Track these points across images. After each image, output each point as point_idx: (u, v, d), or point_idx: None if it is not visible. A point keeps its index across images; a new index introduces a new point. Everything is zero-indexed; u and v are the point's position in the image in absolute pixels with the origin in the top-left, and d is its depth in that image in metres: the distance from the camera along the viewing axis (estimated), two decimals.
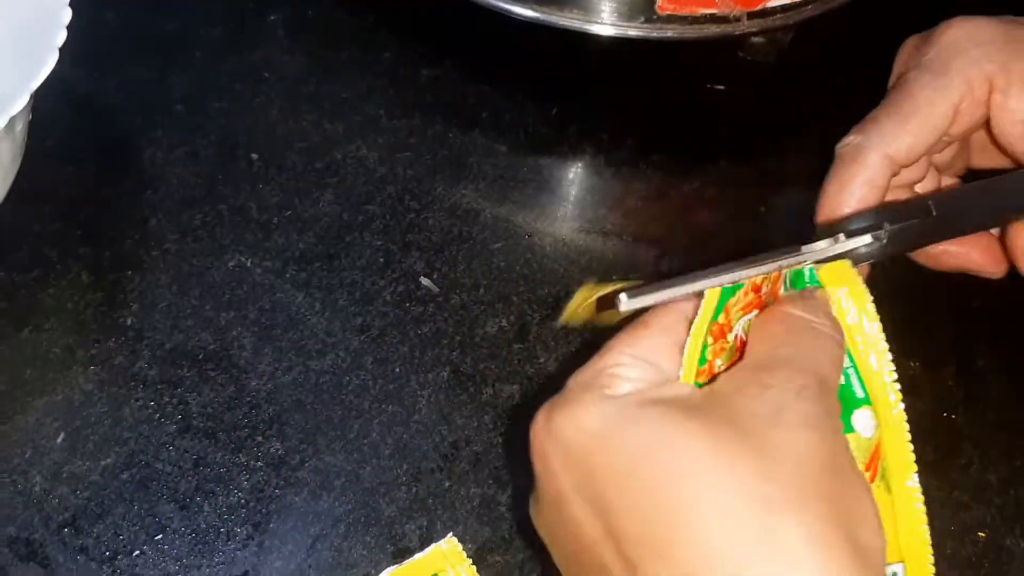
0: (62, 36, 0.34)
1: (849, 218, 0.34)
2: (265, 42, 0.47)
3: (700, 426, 0.24)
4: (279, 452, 0.33)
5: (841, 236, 0.31)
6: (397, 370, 0.36)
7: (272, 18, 0.48)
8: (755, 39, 0.47)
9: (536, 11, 0.44)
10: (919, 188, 0.37)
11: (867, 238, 0.32)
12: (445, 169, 0.43)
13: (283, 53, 0.47)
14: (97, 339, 0.36)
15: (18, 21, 0.35)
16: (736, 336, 0.28)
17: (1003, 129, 0.34)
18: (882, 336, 0.29)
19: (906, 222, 0.33)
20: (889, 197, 0.35)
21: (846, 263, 0.30)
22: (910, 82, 0.34)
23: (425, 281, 0.39)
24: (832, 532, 0.23)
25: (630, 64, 0.47)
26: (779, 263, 0.29)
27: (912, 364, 0.38)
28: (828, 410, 0.25)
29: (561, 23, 0.44)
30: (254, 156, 0.42)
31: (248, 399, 0.35)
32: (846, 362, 0.28)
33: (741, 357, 0.28)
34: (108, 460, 0.33)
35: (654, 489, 0.24)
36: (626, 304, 0.28)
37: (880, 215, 0.33)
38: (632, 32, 0.44)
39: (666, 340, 0.27)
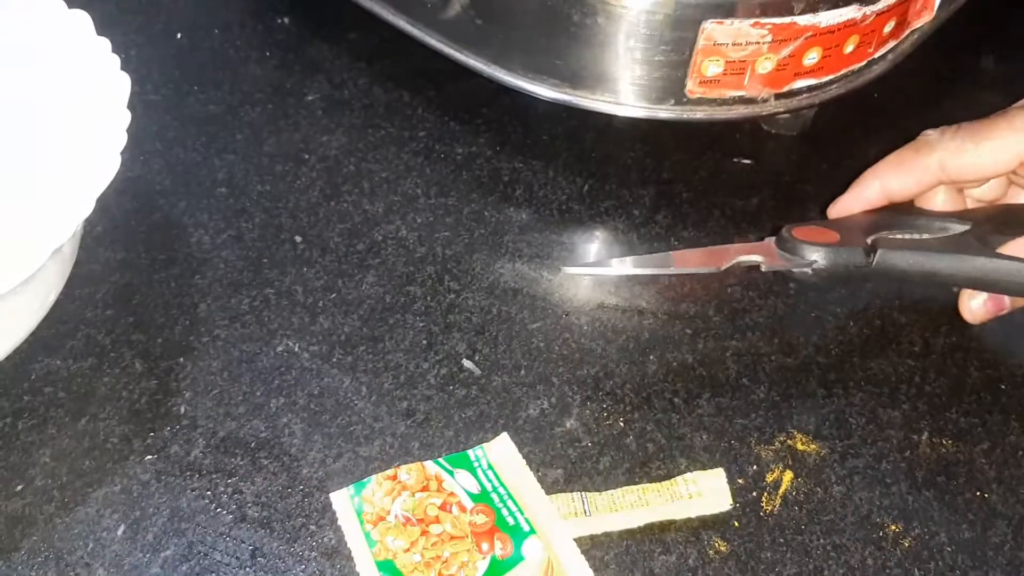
0: (123, 141, 0.35)
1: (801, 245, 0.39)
2: (304, 122, 0.48)
3: None
4: (332, 542, 0.34)
5: (781, 255, 0.39)
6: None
7: (310, 98, 0.50)
8: (780, 115, 0.48)
9: (567, 94, 0.45)
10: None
11: (804, 267, 0.39)
12: (482, 248, 0.44)
13: (322, 133, 0.48)
14: (152, 428, 0.37)
15: (78, 125, 0.36)
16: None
17: None
18: (536, 482, 0.36)
19: (836, 264, 0.39)
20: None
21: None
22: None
23: (467, 363, 0.40)
24: None
25: (657, 140, 0.48)
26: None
27: (944, 443, 0.39)
28: None
29: (592, 106, 0.45)
30: (297, 239, 0.44)
31: (301, 487, 0.36)
32: (513, 506, 0.35)
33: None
34: (168, 552, 0.34)
35: None
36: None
37: (819, 251, 0.39)
38: (662, 114, 0.45)
39: None
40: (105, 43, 0.39)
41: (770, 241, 0.40)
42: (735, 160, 0.48)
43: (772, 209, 0.47)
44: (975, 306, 0.42)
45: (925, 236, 0.40)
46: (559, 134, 0.48)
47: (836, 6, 0.43)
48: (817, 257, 0.39)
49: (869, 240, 0.39)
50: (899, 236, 0.40)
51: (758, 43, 0.42)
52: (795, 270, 0.39)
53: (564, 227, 0.45)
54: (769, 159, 0.48)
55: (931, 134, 0.41)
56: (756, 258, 0.40)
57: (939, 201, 0.41)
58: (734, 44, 0.42)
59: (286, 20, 0.53)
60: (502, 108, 0.49)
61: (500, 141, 0.48)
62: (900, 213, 0.41)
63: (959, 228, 0.40)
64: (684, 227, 0.46)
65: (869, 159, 0.44)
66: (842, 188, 0.44)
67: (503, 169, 0.47)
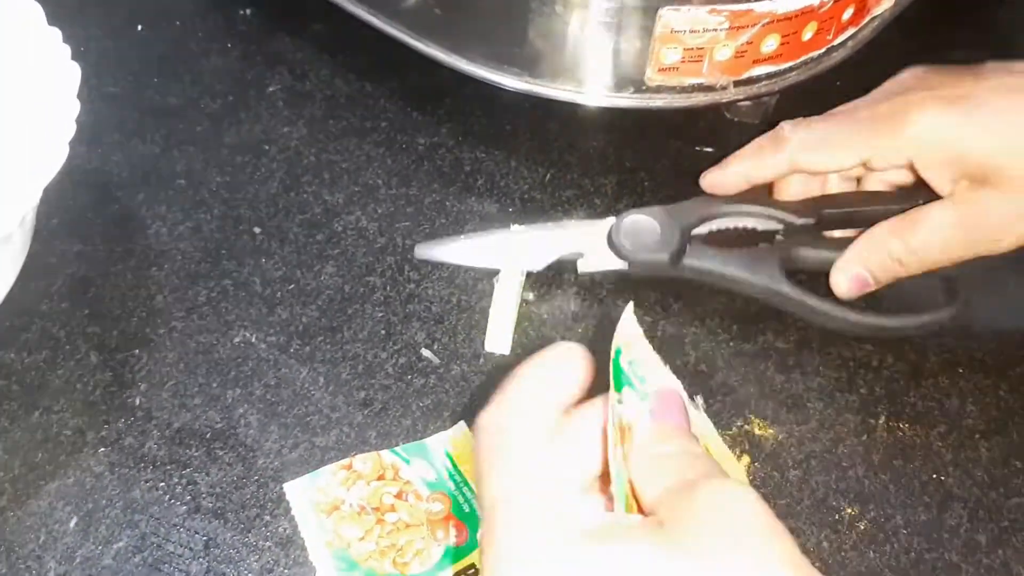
0: (71, 130, 0.35)
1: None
2: (266, 113, 0.48)
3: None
4: (287, 531, 0.34)
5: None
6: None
7: (271, 89, 0.49)
8: (742, 102, 0.48)
9: (528, 83, 0.45)
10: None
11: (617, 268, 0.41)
12: (443, 237, 0.44)
13: (283, 124, 0.48)
14: (107, 420, 0.37)
15: (27, 114, 0.36)
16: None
17: None
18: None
19: (647, 267, 0.41)
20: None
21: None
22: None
23: (426, 352, 0.40)
24: None
25: (620, 129, 0.48)
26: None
27: (901, 426, 0.39)
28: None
29: (552, 94, 0.45)
30: (256, 230, 0.43)
31: (256, 478, 0.36)
32: (468, 494, 0.35)
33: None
34: (120, 543, 0.34)
35: None
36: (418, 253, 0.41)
37: (634, 254, 0.41)
38: (622, 102, 0.45)
39: None
40: (56, 33, 0.38)
41: (606, 227, 0.41)
42: (697, 148, 0.48)
43: None
44: (841, 282, 0.41)
45: (754, 228, 0.42)
46: (521, 124, 0.48)
47: None
48: (630, 256, 0.41)
49: (690, 236, 0.41)
50: (720, 230, 0.42)
51: (715, 30, 0.42)
52: (607, 269, 0.41)
53: (525, 216, 0.45)
54: (731, 147, 0.48)
55: (786, 127, 0.42)
56: (576, 253, 0.41)
57: (793, 189, 0.42)
58: (691, 31, 0.42)
59: (248, 11, 0.52)
60: (464, 98, 0.49)
61: (462, 131, 0.48)
62: (741, 201, 0.42)
63: (794, 222, 0.41)
64: None
65: None
66: None
67: (465, 159, 0.47)
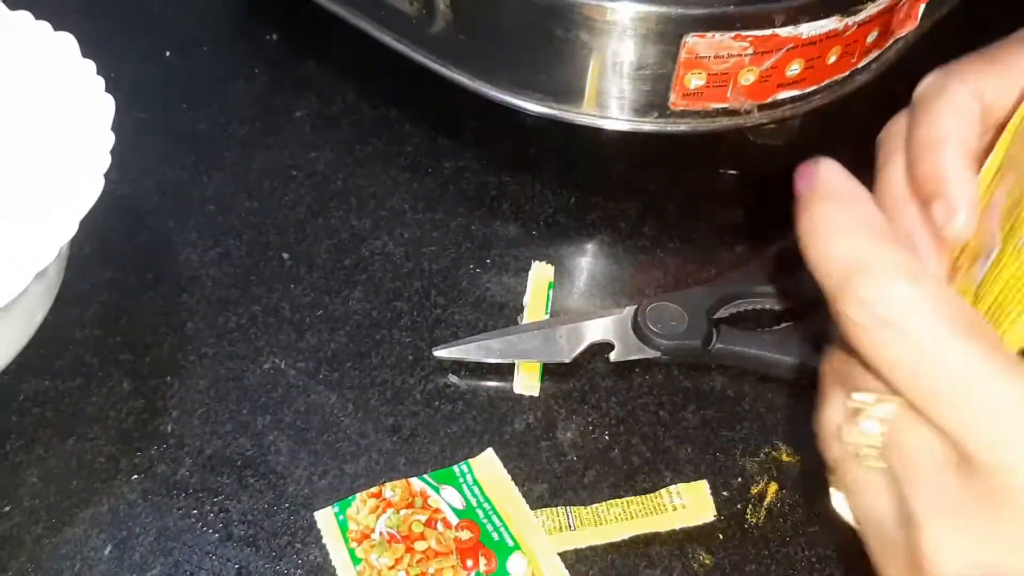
0: (106, 162, 0.35)
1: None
2: (293, 139, 0.49)
3: None
4: (318, 560, 0.35)
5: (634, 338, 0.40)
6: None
7: (299, 115, 0.50)
8: (766, 125, 0.48)
9: (552, 109, 0.45)
10: None
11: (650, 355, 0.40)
12: (469, 262, 0.44)
13: (310, 149, 0.48)
14: (139, 447, 0.37)
15: (62, 146, 0.37)
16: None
17: None
18: (520, 498, 0.36)
19: (679, 352, 0.40)
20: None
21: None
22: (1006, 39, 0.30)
23: (454, 378, 0.40)
24: None
25: (644, 152, 0.48)
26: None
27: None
28: None
29: (576, 120, 0.45)
30: (285, 255, 0.44)
31: (286, 505, 0.36)
32: (497, 522, 0.35)
33: None
34: (154, 571, 0.34)
35: None
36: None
37: (663, 341, 0.40)
38: (647, 127, 0.45)
39: None
40: (90, 65, 0.39)
41: (629, 315, 0.41)
42: (721, 171, 0.48)
43: (758, 220, 0.47)
44: None
45: (772, 307, 0.41)
46: (546, 147, 0.49)
47: (817, 17, 0.43)
48: (662, 344, 0.40)
49: (714, 319, 0.41)
50: (742, 311, 0.41)
51: (740, 55, 0.43)
52: (640, 357, 0.40)
53: (551, 241, 0.46)
54: (755, 169, 0.49)
55: (930, 79, 0.30)
56: (609, 340, 0.40)
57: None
58: (716, 57, 0.43)
59: (274, 37, 0.53)
60: (489, 122, 0.49)
61: (487, 155, 0.48)
62: (756, 282, 0.42)
63: (809, 298, 0.40)
64: (670, 239, 0.46)
65: (854, 168, 0.44)
66: None
67: (490, 183, 0.48)
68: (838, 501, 0.27)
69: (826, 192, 0.27)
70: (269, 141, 0.48)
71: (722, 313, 0.42)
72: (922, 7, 0.49)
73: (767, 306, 0.42)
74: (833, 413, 0.26)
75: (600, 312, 0.42)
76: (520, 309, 0.42)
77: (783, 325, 0.42)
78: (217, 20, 0.54)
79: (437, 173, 0.48)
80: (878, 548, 0.25)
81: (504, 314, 0.43)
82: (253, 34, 0.54)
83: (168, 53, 0.52)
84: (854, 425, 0.25)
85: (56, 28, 0.40)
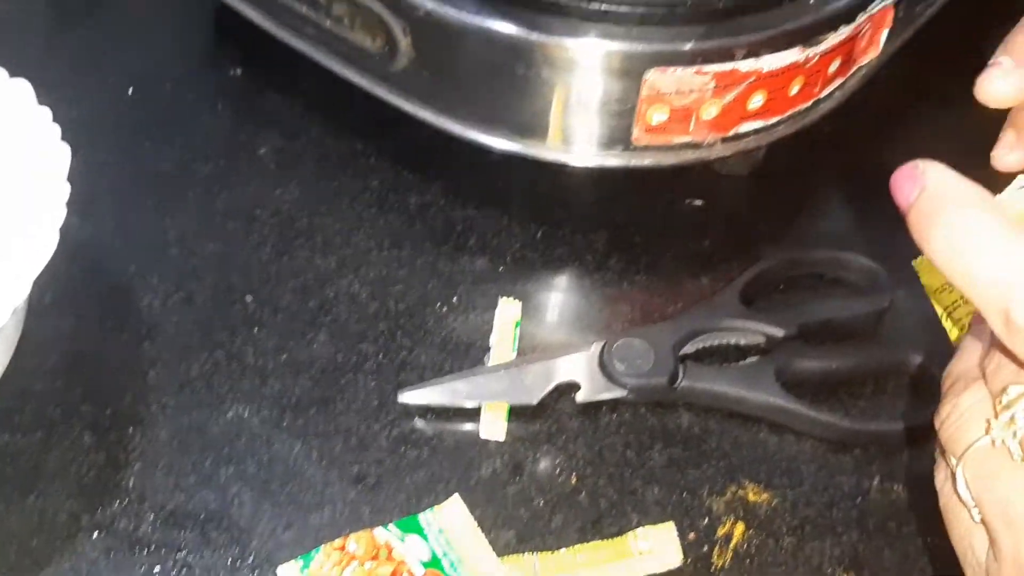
0: (62, 215, 0.35)
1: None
2: (257, 176, 0.48)
3: None
4: None
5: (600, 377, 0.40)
6: (394, 522, 0.37)
7: (263, 151, 0.49)
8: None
9: (516, 145, 0.45)
10: None
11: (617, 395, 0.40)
12: (435, 300, 0.44)
13: (275, 186, 0.48)
14: (101, 503, 0.37)
15: (15, 199, 0.36)
16: None
17: None
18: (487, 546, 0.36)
19: (646, 391, 0.40)
20: None
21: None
22: None
23: (420, 423, 0.40)
24: None
25: (610, 185, 0.48)
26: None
27: (895, 488, 0.39)
28: None
29: (541, 156, 0.45)
30: (248, 298, 0.43)
31: (250, 559, 0.36)
32: (464, 572, 0.35)
33: None
34: None
35: None
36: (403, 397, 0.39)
37: (630, 379, 0.40)
38: (611, 162, 0.45)
39: None
40: (46, 113, 0.39)
41: (596, 353, 0.41)
42: (687, 201, 0.48)
43: (725, 251, 0.47)
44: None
45: (738, 343, 0.41)
46: (512, 181, 0.48)
47: (778, 50, 0.43)
48: (628, 383, 0.40)
49: (680, 355, 0.41)
50: (708, 347, 0.41)
51: (701, 90, 0.43)
52: (607, 396, 0.40)
53: (518, 276, 0.45)
54: (721, 199, 0.49)
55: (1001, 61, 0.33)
56: (576, 379, 0.40)
57: None
58: (677, 92, 0.43)
59: (238, 71, 0.53)
60: (455, 155, 0.49)
61: (453, 189, 0.48)
62: (723, 316, 0.42)
63: (775, 335, 0.41)
64: (636, 272, 0.46)
65: (820, 195, 0.44)
66: (795, 226, 0.44)
67: (456, 218, 0.47)
68: (961, 487, 0.28)
69: (950, 199, 0.26)
70: (233, 180, 0.48)
71: (688, 349, 0.42)
72: (884, 33, 0.49)
73: (733, 341, 0.42)
74: (971, 404, 0.28)
75: (567, 349, 0.42)
76: (487, 348, 0.42)
77: (749, 360, 0.42)
78: (181, 54, 0.54)
79: (403, 209, 0.47)
80: (1004, 538, 0.27)
81: (471, 354, 0.42)
82: (218, 67, 0.53)
83: (131, 90, 0.51)
84: (1009, 414, 0.26)
85: (16, 70, 0.39)
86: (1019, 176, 0.32)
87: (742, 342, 0.42)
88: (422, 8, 0.43)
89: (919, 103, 0.54)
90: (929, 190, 0.26)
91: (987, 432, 0.27)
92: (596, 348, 0.41)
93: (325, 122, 0.51)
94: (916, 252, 0.37)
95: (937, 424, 0.29)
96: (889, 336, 0.42)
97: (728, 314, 0.42)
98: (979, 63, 0.36)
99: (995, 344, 0.27)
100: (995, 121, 0.38)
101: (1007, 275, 0.25)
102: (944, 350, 0.33)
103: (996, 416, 0.27)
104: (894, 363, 0.41)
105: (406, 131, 0.49)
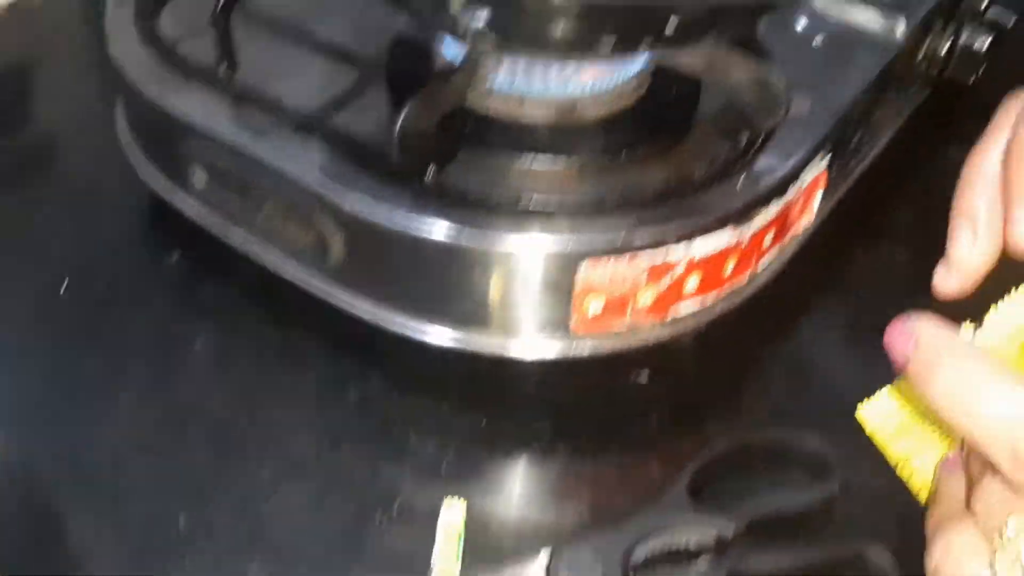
0: None
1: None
2: (191, 377, 0.47)
3: None
4: None
5: None
6: None
7: (198, 347, 0.48)
8: None
9: (453, 340, 0.44)
10: None
11: None
12: (374, 512, 0.42)
13: (210, 386, 0.47)
14: None
15: None
16: None
17: None
18: None
19: None
20: None
21: None
22: None
23: None
24: None
25: (553, 370, 0.47)
26: None
27: None
28: None
29: (479, 349, 0.44)
30: (181, 520, 0.42)
31: None
32: None
33: None
34: None
35: None
36: None
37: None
38: (549, 354, 0.44)
39: None
40: None
41: (542, 566, 0.39)
42: (632, 377, 0.47)
43: (672, 431, 0.45)
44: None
45: (687, 543, 0.40)
46: (452, 370, 0.47)
47: (708, 232, 0.43)
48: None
49: (630, 564, 0.39)
50: (658, 553, 0.40)
51: (635, 278, 0.42)
52: None
53: (462, 473, 0.44)
54: (665, 373, 0.47)
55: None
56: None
57: None
58: (611, 282, 0.42)
59: (175, 257, 0.52)
60: (394, 341, 0.48)
61: (393, 379, 0.47)
62: (671, 512, 0.41)
63: (725, 534, 0.40)
64: (583, 462, 0.44)
65: (765, 361, 0.43)
66: (742, 392, 0.43)
67: (395, 411, 0.46)
68: None
69: (944, 349, 0.28)
70: (167, 382, 0.47)
71: (638, 554, 0.40)
72: (818, 197, 0.49)
73: (684, 540, 0.41)
74: (964, 542, 0.29)
75: (512, 560, 0.40)
76: (430, 562, 0.41)
77: (700, 564, 0.40)
78: (118, 240, 0.53)
79: (342, 404, 0.46)
80: None
81: (415, 566, 0.41)
82: (153, 255, 0.52)
83: (64, 288, 0.50)
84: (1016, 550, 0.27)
85: None
86: (963, 325, 0.32)
87: (692, 542, 0.40)
88: (350, 209, 0.43)
89: (862, 257, 0.53)
90: (924, 343, 0.29)
91: (990, 567, 0.28)
92: (543, 559, 0.40)
93: (262, 309, 0.49)
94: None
95: (931, 565, 0.30)
96: (845, 522, 0.41)
97: (677, 510, 0.41)
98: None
99: (981, 483, 0.29)
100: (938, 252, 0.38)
101: (1012, 414, 0.27)
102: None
103: (995, 551, 0.28)
104: (848, 556, 0.40)
105: (343, 319, 0.48)
